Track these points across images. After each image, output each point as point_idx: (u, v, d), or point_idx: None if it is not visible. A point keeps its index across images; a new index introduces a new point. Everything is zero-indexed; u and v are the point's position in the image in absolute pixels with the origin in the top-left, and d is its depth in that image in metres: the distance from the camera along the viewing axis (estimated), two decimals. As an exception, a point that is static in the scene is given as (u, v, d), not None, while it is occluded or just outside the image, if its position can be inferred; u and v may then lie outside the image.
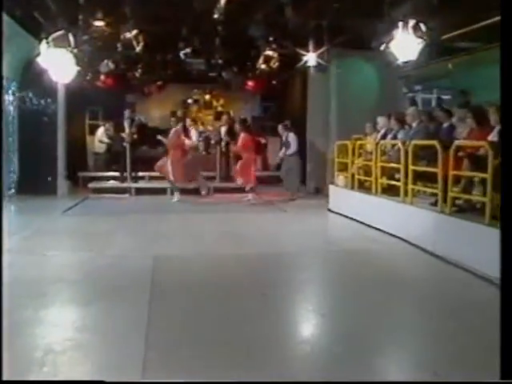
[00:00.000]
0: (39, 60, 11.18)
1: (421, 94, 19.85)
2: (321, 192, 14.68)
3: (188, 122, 15.00)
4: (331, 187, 11.73)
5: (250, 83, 16.78)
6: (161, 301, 5.28)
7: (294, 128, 16.65)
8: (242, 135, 13.91)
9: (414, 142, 8.59)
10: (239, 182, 13.57)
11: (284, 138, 14.19)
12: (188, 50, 12.79)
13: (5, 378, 3.32)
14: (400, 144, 8.95)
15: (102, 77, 15.22)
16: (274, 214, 11.43)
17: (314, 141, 15.28)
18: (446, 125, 9.25)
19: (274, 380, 3.67)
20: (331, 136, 14.86)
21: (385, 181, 9.57)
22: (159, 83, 17.94)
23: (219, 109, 19.81)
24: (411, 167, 8.46)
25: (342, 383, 3.64)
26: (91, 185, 14.79)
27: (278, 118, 18.22)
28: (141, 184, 15.08)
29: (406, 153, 8.62)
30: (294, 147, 13.82)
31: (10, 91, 13.81)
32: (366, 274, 6.39)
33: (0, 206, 10.21)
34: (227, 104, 19.75)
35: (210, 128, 18.39)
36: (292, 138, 13.93)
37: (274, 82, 16.66)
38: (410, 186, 8.48)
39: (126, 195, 14.50)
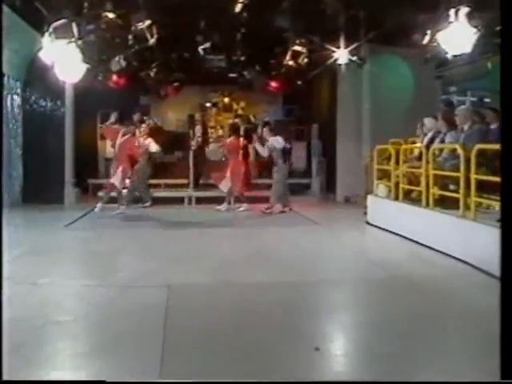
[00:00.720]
0: (41, 55, 9.91)
1: (455, 96, 18.40)
2: (352, 201, 13.25)
3: (144, 128, 12.89)
4: (370, 198, 10.24)
5: (274, 84, 15.34)
6: (176, 359, 3.87)
7: (321, 132, 15.42)
8: (230, 139, 12.56)
9: (477, 146, 7.11)
10: (224, 188, 12.25)
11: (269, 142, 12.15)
12: (207, 45, 11.39)
13: (5, 377, 3.13)
14: (460, 149, 7.47)
15: (114, 76, 13.92)
16: (307, 228, 9.93)
17: (345, 146, 13.80)
18: (493, 126, 7.87)
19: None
20: (363, 140, 13.44)
21: (439, 191, 8.09)
22: (176, 84, 16.61)
23: (239, 112, 18.43)
24: (474, 176, 7.00)
25: (347, 383, 3.53)
26: (101, 193, 13.42)
27: (304, 121, 16.90)
28: (155, 193, 13.69)
29: (468, 159, 7.17)
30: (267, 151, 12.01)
31: (13, 91, 12.53)
32: (434, 314, 4.90)
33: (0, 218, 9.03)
34: (248, 107, 18.34)
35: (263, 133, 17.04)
36: (273, 141, 11.99)
37: (298, 83, 15.21)
38: (474, 199, 7.01)
39: (139, 205, 13.14)
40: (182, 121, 17.91)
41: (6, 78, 11.79)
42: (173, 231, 9.56)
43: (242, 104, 18.52)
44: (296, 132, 16.78)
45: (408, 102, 12.98)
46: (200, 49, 11.39)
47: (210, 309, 5.00)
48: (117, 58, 11.89)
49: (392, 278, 6.24)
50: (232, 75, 15.60)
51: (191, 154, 13.85)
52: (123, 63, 11.95)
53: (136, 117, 13.71)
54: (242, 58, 12.79)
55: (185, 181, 14.26)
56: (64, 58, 10.04)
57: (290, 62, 12.12)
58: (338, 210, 12.46)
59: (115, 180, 11.21)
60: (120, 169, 11.17)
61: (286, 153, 12.31)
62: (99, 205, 11.32)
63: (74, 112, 13.44)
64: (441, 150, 8.52)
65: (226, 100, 18.53)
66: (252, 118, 17.69)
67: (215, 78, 16.07)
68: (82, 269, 6.77)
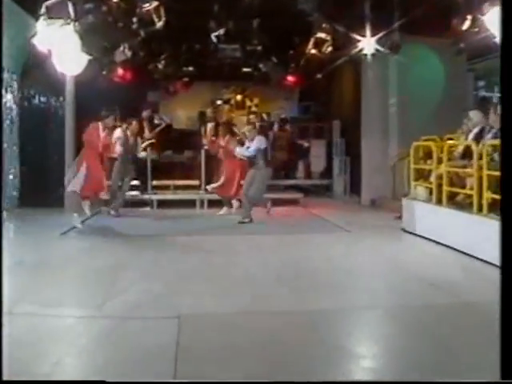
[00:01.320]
0: (36, 41, 8.68)
1: (483, 92, 17.06)
2: (378, 204, 11.96)
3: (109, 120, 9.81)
4: (406, 201, 8.92)
5: (291, 77, 14.05)
6: None
7: (343, 129, 14.14)
8: (227, 138, 11.19)
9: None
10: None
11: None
12: (221, 32, 10.11)
13: (5, 377, 2.95)
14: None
15: (119, 70, 12.72)
16: (335, 235, 8.63)
17: (370, 144, 12.45)
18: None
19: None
20: (390, 138, 12.14)
21: (493, 195, 6.77)
22: (185, 80, 15.41)
23: (253, 109, 17.18)
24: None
25: (343, 383, 3.37)
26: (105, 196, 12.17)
27: (324, 117, 15.63)
28: (164, 195, 12.40)
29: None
30: (251, 151, 9.94)
31: (9, 85, 11.30)
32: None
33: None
34: (262, 104, 17.08)
35: (245, 131, 15.67)
36: (257, 140, 10.02)
37: (318, 76, 13.90)
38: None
39: (147, 208, 11.90)
40: (191, 118, 16.66)
41: None
42: (182, 240, 8.25)
43: (256, 101, 17.29)
44: (315, 129, 15.48)
45: (438, 96, 11.74)
46: (213, 36, 10.12)
47: (230, 351, 3.72)
48: (121, 48, 10.64)
49: (459, 304, 4.92)
50: (246, 70, 14.45)
51: (203, 153, 12.52)
52: (128, 53, 10.69)
53: (146, 113, 12.46)
54: (259, 48, 11.49)
55: (196, 182, 12.99)
56: (61, 46, 8.86)
57: (311, 52, 10.78)
58: (366, 214, 11.12)
59: (74, 185, 9.11)
60: (83, 168, 9.09)
61: (267, 153, 10.28)
62: (75, 216, 9.09)
63: (75, 108, 12.15)
64: (495, 147, 7.23)
65: (239, 97, 17.31)
66: (265, 116, 16.40)
67: (227, 73, 14.94)
68: (74, 291, 5.49)
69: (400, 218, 9.11)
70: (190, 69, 14.93)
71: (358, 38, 10.96)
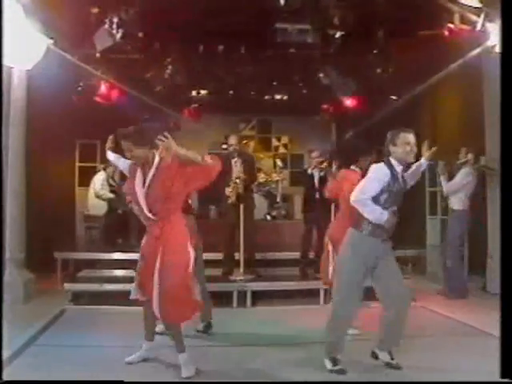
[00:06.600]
0: None
1: None
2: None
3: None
4: None
5: (352, 100, 9.18)
6: None
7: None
8: (343, 173, 5.20)
9: None
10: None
11: None
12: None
13: (5, 378, 2.95)
14: None
15: (102, 87, 7.93)
16: None
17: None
18: None
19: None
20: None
21: None
22: (194, 106, 10.59)
23: (281, 150, 12.29)
24: None
25: (342, 383, 3.38)
26: (68, 285, 6.69)
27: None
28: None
29: None
30: None
31: None
32: None
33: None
34: (293, 143, 12.17)
35: (275, 177, 10.46)
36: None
37: (393, 97, 9.06)
38: None
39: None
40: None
41: None
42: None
43: (285, 139, 12.36)
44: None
45: None
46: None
47: None
48: (105, 25, 5.66)
49: None
50: (278, 96, 9.98)
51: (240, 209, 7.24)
52: (116, 34, 5.70)
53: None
54: (338, 35, 6.47)
55: (217, 255, 7.64)
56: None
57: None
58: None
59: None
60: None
61: None
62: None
63: (26, 138, 6.86)
64: None
65: (262, 134, 12.42)
66: (279, 163, 11.08)
67: (250, 101, 10.36)
68: None
69: None
70: (202, 92, 10.14)
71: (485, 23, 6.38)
